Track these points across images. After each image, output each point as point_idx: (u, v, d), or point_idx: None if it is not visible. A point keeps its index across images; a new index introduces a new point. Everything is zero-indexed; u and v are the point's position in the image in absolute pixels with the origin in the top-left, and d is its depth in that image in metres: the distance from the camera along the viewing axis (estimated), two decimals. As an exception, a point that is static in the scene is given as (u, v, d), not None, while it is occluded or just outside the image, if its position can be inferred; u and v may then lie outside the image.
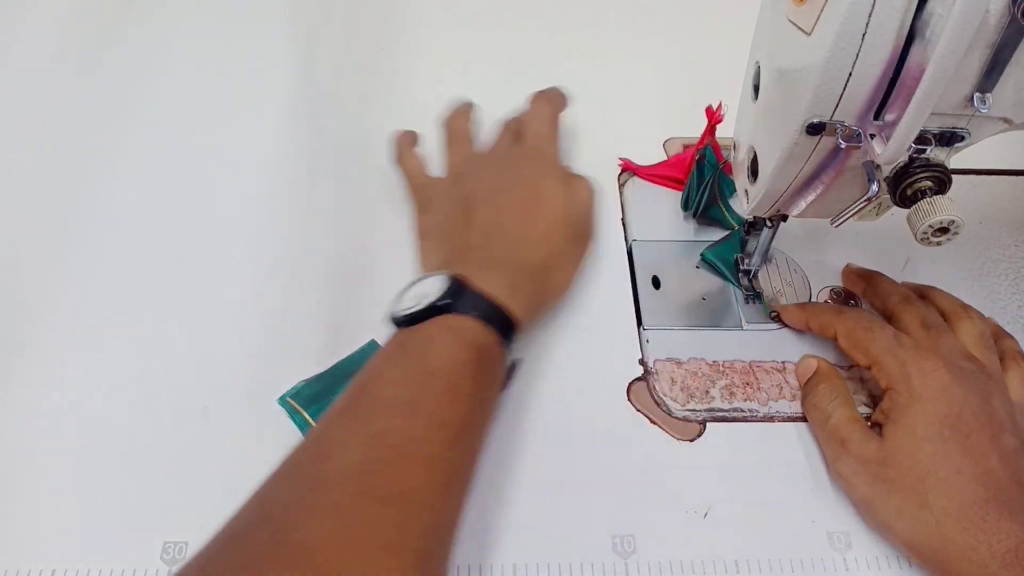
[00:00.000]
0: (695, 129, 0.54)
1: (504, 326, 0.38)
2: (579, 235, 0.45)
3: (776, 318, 0.46)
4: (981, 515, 0.35)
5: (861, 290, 0.46)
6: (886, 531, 0.37)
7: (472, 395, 0.36)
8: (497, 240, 0.42)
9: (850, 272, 0.47)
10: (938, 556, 0.35)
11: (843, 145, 0.33)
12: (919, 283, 0.46)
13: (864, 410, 0.42)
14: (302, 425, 0.40)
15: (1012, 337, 0.42)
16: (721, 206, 0.49)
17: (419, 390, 0.35)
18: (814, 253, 0.49)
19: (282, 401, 0.41)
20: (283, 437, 0.40)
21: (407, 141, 0.51)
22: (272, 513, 0.31)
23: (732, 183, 0.49)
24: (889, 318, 0.42)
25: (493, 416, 0.39)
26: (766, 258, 0.48)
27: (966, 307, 0.42)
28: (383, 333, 0.40)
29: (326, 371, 0.42)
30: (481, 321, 0.37)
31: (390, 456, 0.33)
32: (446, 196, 0.46)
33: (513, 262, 0.41)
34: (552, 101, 0.50)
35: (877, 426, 0.39)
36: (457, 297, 0.38)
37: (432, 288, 0.38)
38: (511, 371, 0.41)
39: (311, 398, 0.41)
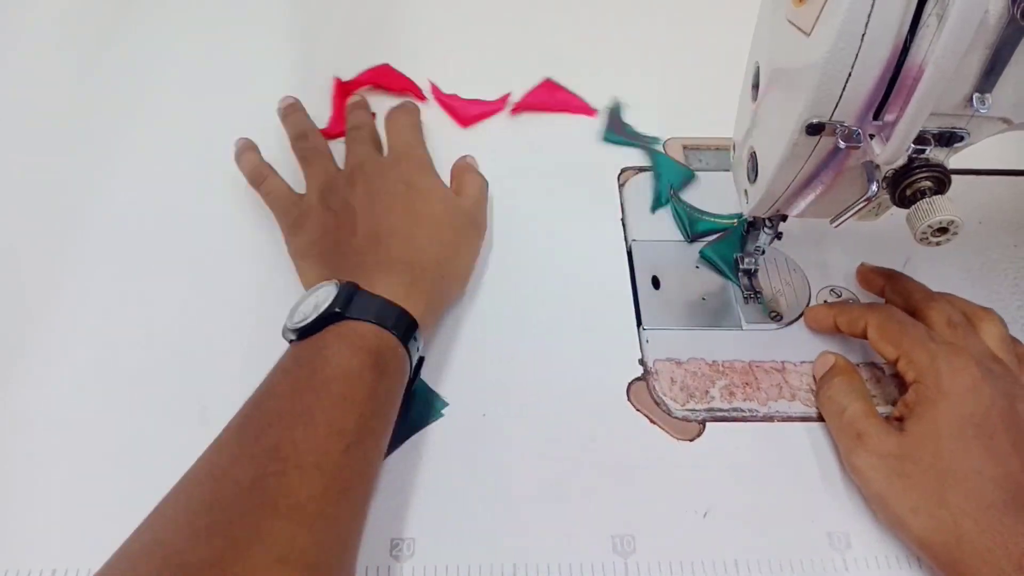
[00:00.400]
0: (695, 129, 0.55)
1: (403, 326, 0.38)
2: (468, 225, 0.46)
3: (777, 317, 0.46)
4: (999, 517, 0.34)
5: (880, 288, 0.46)
6: (899, 528, 0.37)
7: (369, 400, 0.36)
8: (385, 243, 0.42)
9: (867, 271, 0.47)
10: (952, 555, 0.35)
11: (842, 145, 0.33)
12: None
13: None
14: None
15: (1020, 342, 0.42)
16: (705, 218, 0.50)
17: (313, 400, 0.35)
18: (814, 253, 0.49)
19: None
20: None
21: (254, 156, 0.49)
22: (163, 537, 0.31)
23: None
24: (912, 315, 0.42)
25: (394, 418, 0.38)
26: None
27: (986, 309, 0.42)
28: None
29: None
30: (376, 325, 0.37)
31: (284, 468, 0.32)
32: (318, 213, 0.45)
33: (405, 261, 0.41)
34: (409, 112, 0.51)
35: (896, 421, 0.39)
36: (349, 303, 0.37)
37: (323, 297, 0.38)
38: (417, 369, 0.41)
39: None
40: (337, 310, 0.37)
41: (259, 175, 0.48)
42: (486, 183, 0.49)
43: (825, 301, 0.47)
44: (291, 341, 0.38)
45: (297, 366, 0.37)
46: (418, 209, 0.44)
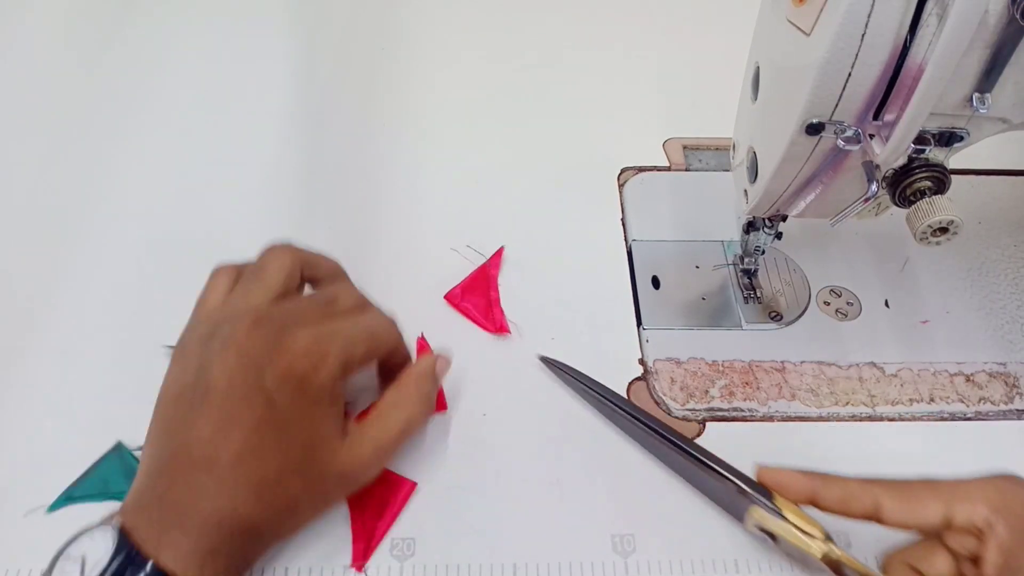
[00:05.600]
0: (695, 130, 0.55)
1: None
2: (337, 485, 0.35)
3: (777, 317, 0.46)
4: None
5: (809, 494, 0.34)
6: None
7: None
8: (200, 471, 0.32)
9: (786, 479, 0.35)
10: None
11: (842, 145, 0.33)
12: (917, 283, 0.45)
13: (863, 408, 0.43)
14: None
15: None
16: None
17: None
18: (814, 253, 0.49)
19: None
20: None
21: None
22: None
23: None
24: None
25: None
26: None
27: None
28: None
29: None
30: None
31: None
32: (195, 353, 0.34)
33: (212, 516, 0.31)
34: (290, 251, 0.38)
35: None
36: None
37: (95, 554, 0.30)
38: None
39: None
40: None
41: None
42: (422, 417, 0.37)
43: (825, 302, 0.47)
44: None
45: None
46: (269, 445, 0.32)
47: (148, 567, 0.30)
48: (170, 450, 0.33)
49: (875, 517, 0.33)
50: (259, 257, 0.37)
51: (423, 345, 0.43)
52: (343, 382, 0.34)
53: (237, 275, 0.37)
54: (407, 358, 0.39)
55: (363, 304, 0.38)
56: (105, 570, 0.29)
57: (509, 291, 0.47)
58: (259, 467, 0.32)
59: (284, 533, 0.35)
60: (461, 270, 0.47)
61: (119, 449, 0.40)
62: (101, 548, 0.30)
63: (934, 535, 0.33)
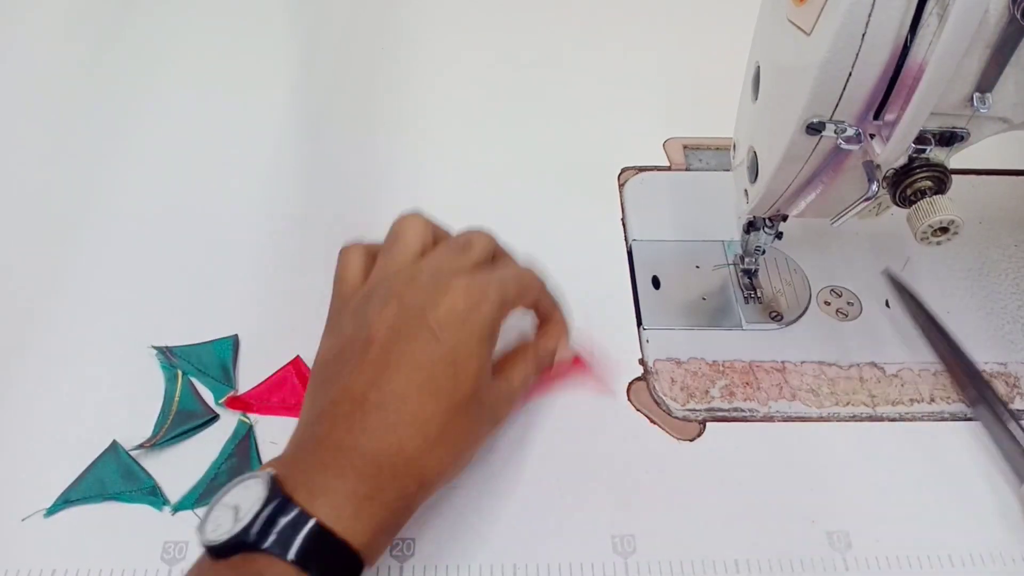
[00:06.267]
0: (695, 129, 0.55)
1: (336, 570, 0.29)
2: (485, 421, 0.35)
3: (777, 317, 0.46)
4: None
5: None
6: None
7: None
8: (364, 415, 0.32)
9: None
10: None
11: (843, 145, 0.33)
12: (918, 283, 0.45)
13: (864, 409, 0.43)
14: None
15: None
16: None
17: None
18: (814, 253, 0.49)
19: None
20: (282, 440, 0.40)
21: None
22: None
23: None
24: None
25: None
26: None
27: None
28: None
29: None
30: (298, 567, 0.28)
31: None
32: (351, 318, 0.35)
33: (374, 457, 0.31)
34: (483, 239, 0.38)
35: None
36: (271, 525, 0.29)
37: (247, 502, 0.29)
38: None
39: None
40: (254, 533, 0.29)
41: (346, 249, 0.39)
42: (534, 372, 0.39)
43: (826, 302, 0.47)
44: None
45: None
46: (437, 381, 0.32)
47: (295, 513, 0.29)
48: (330, 397, 0.33)
49: None
50: (392, 227, 0.38)
51: (577, 361, 0.43)
52: (501, 322, 0.35)
53: (367, 252, 0.38)
54: (554, 305, 0.41)
55: (500, 251, 0.39)
56: (256, 517, 0.29)
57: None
58: (427, 403, 0.32)
59: (445, 474, 0.33)
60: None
61: (115, 448, 0.40)
62: (253, 496, 0.29)
63: None
